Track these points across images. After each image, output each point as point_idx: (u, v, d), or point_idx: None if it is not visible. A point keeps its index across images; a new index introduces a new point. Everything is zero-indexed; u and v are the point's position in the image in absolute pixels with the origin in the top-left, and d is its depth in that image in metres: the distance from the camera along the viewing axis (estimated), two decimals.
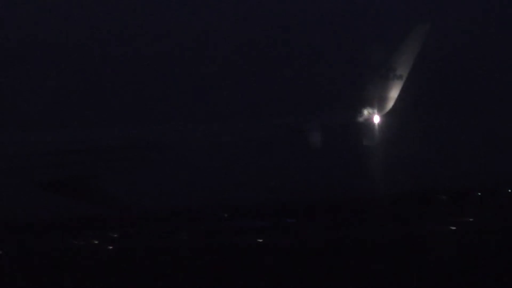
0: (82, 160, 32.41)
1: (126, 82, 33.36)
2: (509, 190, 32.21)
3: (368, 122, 34.28)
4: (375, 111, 34.23)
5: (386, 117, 34.22)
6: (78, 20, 32.87)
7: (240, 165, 33.02)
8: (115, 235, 30.35)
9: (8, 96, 32.72)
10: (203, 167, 32.57)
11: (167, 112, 33.46)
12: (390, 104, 34.29)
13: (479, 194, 32.46)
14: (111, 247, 29.37)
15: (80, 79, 33.13)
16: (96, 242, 29.85)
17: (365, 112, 34.21)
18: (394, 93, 34.27)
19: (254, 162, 33.15)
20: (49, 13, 32.65)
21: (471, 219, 30.52)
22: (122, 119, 33.12)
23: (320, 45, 34.14)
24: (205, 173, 32.48)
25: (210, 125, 33.13)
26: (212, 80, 33.71)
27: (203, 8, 33.55)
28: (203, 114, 33.59)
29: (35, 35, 32.53)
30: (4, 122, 31.88)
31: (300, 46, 34.14)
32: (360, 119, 34.31)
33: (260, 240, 29.14)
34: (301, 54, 34.19)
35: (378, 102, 34.35)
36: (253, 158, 33.21)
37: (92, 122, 32.73)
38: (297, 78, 34.18)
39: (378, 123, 34.24)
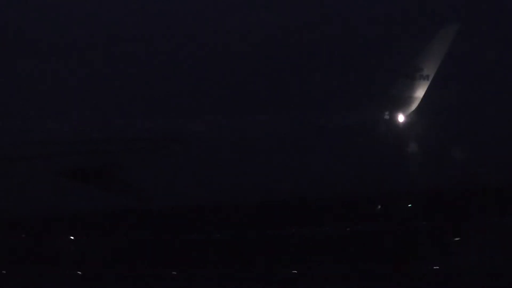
0: (105, 149, 32.61)
1: (150, 74, 33.71)
2: None
3: (393, 121, 33.77)
4: (400, 110, 33.78)
5: (411, 117, 33.72)
6: (101, 15, 33.81)
7: (262, 161, 32.50)
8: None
9: (32, 83, 33.39)
10: (226, 161, 32.23)
11: (192, 105, 33.60)
12: (415, 104, 33.83)
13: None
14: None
15: (104, 69, 33.58)
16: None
17: (390, 111, 33.76)
18: (420, 93, 33.87)
19: (277, 159, 32.62)
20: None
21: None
22: (148, 110, 33.33)
23: (346, 43, 34.10)
24: (227, 167, 32.09)
25: (234, 119, 33.11)
26: (237, 74, 33.85)
27: (223, 4, 34.31)
28: (227, 108, 33.57)
29: (58, 25, 33.48)
30: (26, 109, 32.54)
31: (326, 44, 34.15)
32: (385, 119, 33.83)
33: None
34: (326, 51, 34.17)
35: (403, 102, 33.93)
36: (276, 154, 32.75)
37: (118, 112, 33.01)
38: (321, 76, 34.04)
39: (402, 123, 33.71)
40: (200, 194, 30.65)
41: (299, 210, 30.74)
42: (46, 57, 32.51)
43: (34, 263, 26.54)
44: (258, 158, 32.11)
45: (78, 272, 25.83)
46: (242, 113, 33.07)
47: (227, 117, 33.03)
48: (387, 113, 33.83)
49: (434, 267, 25.16)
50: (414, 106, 33.89)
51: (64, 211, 29.64)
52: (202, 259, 27.33)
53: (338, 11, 34.28)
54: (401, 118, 33.82)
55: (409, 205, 30.69)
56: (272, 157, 31.78)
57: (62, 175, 30.94)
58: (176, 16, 33.87)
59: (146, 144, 31.90)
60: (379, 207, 30.21)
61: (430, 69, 33.72)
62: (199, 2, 33.97)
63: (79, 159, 31.71)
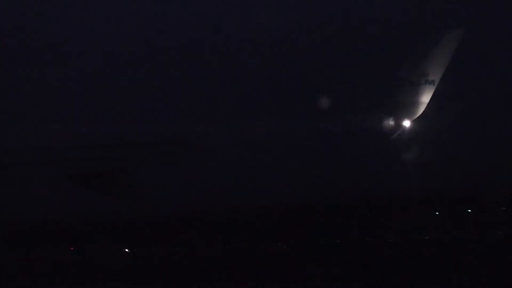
0: (109, 155, 32.43)
1: (157, 78, 33.72)
2: None
3: (398, 126, 33.66)
4: (405, 115, 33.66)
5: (417, 122, 33.58)
6: (107, 21, 33.74)
7: (267, 165, 32.32)
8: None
9: (36, 89, 33.24)
10: (231, 165, 32.00)
11: (200, 109, 33.48)
12: (420, 109, 33.70)
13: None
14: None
15: (112, 74, 33.57)
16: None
17: (395, 116, 33.64)
18: (425, 98, 33.75)
19: (281, 162, 32.44)
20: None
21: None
22: (151, 114, 33.24)
23: (352, 48, 34.12)
24: (232, 171, 31.83)
25: (240, 122, 32.88)
26: (241, 78, 33.84)
27: (230, 7, 34.30)
28: (231, 111, 33.45)
29: (73, 28, 33.50)
30: (30, 114, 32.43)
31: (331, 48, 34.19)
32: (389, 123, 33.71)
33: None
34: (332, 56, 34.19)
35: (408, 107, 33.81)
36: (280, 157, 32.59)
37: (121, 117, 32.89)
38: (327, 80, 34.05)
39: (408, 128, 33.58)
40: (205, 199, 30.52)
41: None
42: (51, 63, 32.55)
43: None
44: (263, 162, 31.99)
45: None
46: (247, 116, 32.97)
47: (231, 120, 32.90)
48: (392, 118, 33.70)
49: None
50: (419, 111, 33.73)
51: (70, 217, 29.55)
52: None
53: (344, 17, 34.31)
54: (406, 123, 33.69)
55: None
56: (277, 161, 31.71)
57: (66, 181, 30.85)
58: (179, 18, 33.92)
59: (151, 149, 31.79)
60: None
61: (435, 75, 33.60)
62: (202, 6, 34.04)
63: (83, 165, 31.57)
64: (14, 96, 31.93)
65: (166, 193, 30.58)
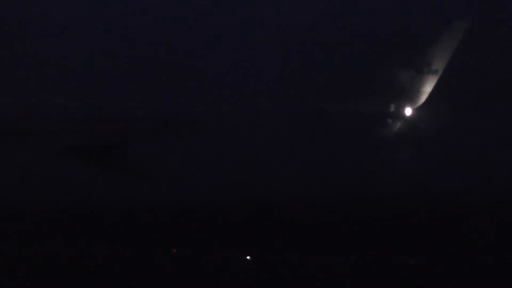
0: (113, 128, 32.06)
1: (162, 51, 33.38)
2: None
3: (399, 114, 33.78)
4: (407, 104, 33.79)
5: (418, 111, 33.70)
6: None
7: (271, 149, 31.91)
8: None
9: (40, 59, 32.76)
10: (234, 146, 31.61)
11: (203, 85, 33.11)
12: (422, 98, 33.84)
13: None
14: None
15: (114, 46, 33.22)
16: None
17: (397, 104, 33.77)
18: (428, 88, 33.87)
19: (286, 148, 32.16)
20: None
21: None
22: (158, 90, 32.84)
23: (354, 35, 33.94)
24: (233, 153, 31.42)
25: (244, 102, 32.61)
26: (251, 61, 33.52)
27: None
28: (238, 92, 33.10)
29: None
30: (34, 85, 31.96)
31: (335, 36, 33.98)
32: (391, 111, 33.83)
33: None
34: (335, 43, 33.99)
35: (411, 95, 33.95)
36: (284, 142, 32.36)
37: (126, 91, 32.53)
38: (329, 66, 33.89)
39: (409, 116, 33.72)
40: (204, 184, 30.08)
41: None
42: (55, 33, 32.16)
43: None
44: (267, 146, 31.74)
45: None
46: (255, 98, 32.68)
47: (236, 99, 32.54)
48: (393, 106, 33.84)
49: None
50: (421, 100, 33.89)
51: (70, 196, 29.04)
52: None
53: (349, 6, 34.09)
54: (408, 111, 33.84)
55: None
56: (280, 144, 31.57)
57: (66, 153, 30.62)
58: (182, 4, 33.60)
59: (156, 125, 31.60)
60: None
61: (439, 64, 33.71)
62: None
63: (84, 138, 31.40)
64: (15, 66, 31.58)
65: (166, 172, 30.31)
